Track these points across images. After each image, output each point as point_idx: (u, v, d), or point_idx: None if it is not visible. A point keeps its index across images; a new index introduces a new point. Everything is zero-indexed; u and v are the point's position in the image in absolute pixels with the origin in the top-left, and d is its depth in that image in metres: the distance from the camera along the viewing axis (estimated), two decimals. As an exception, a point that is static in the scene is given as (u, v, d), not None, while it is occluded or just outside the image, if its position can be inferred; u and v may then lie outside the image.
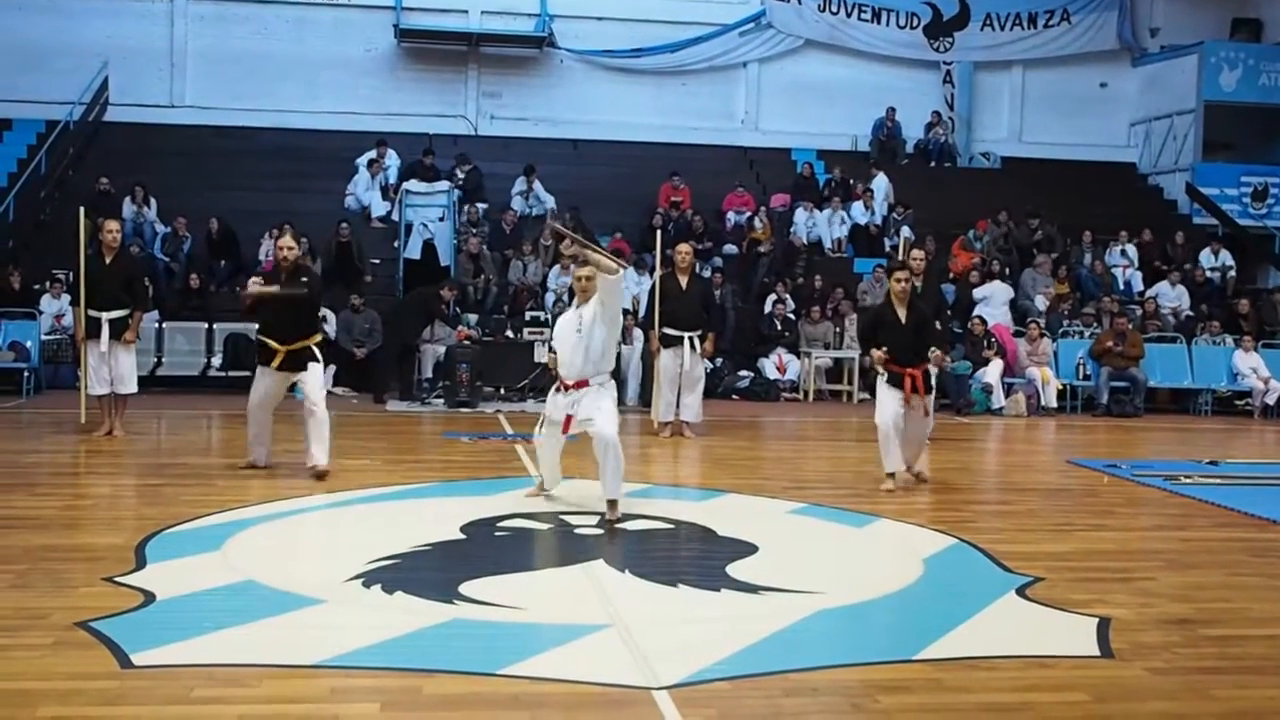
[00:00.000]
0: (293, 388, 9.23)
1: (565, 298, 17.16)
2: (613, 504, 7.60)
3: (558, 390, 7.92)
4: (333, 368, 15.73)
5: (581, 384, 7.74)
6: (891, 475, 9.08)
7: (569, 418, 7.76)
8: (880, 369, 9.15)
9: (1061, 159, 23.31)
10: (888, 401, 9.10)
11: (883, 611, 5.84)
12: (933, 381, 9.31)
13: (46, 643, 4.86)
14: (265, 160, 20.22)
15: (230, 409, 12.59)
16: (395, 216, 18.58)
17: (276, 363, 8.96)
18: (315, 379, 9.04)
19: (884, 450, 9.09)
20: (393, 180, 19.32)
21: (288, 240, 9.23)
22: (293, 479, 8.80)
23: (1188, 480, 10.05)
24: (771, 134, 23.08)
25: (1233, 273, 20.43)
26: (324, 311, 16.04)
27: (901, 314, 9.12)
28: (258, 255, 17.09)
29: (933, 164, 23.06)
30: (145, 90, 21.38)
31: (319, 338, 9.23)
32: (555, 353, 7.96)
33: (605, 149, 21.93)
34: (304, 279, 9.10)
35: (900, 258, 12.58)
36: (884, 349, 9.07)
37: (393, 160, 19.69)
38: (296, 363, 8.97)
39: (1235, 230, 22.01)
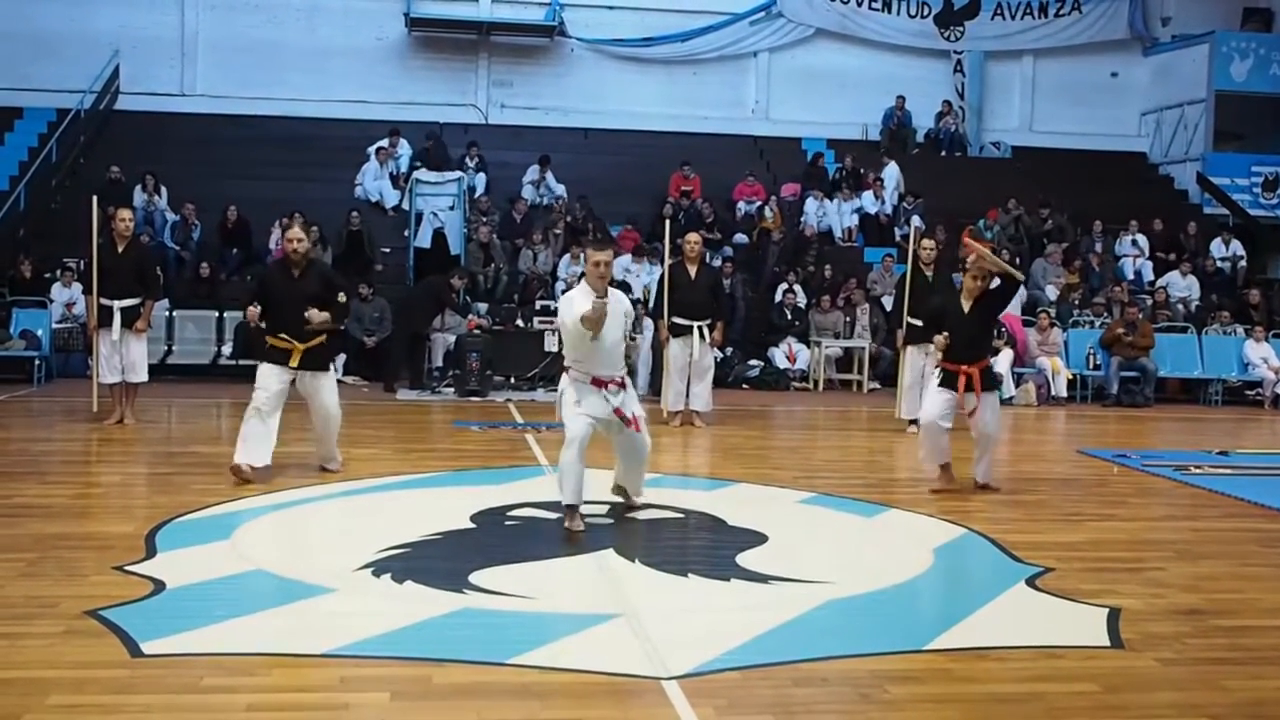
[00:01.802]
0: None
1: (576, 285, 17.12)
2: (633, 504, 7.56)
3: (603, 388, 7.13)
4: (343, 356, 15.80)
5: (621, 381, 7.29)
6: (944, 468, 8.70)
7: (636, 417, 7.24)
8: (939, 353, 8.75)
9: (1072, 148, 23.28)
10: (930, 398, 8.79)
11: (892, 602, 5.83)
12: (994, 378, 8.82)
13: (57, 631, 4.88)
14: (276, 149, 20.23)
15: (241, 398, 12.54)
16: (405, 205, 18.58)
17: (295, 360, 8.43)
18: (331, 388, 8.67)
19: (924, 448, 8.83)
20: (403, 169, 19.32)
21: (297, 231, 8.63)
22: (302, 469, 8.80)
23: (1198, 470, 10.02)
24: (782, 123, 23.06)
25: (1243, 263, 20.40)
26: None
27: (967, 307, 8.65)
28: (268, 244, 17.11)
29: (943, 153, 23.04)
30: (156, 79, 21.43)
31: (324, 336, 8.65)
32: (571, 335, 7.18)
33: (616, 138, 21.92)
34: (339, 292, 8.58)
35: (912, 247, 12.55)
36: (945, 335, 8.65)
37: (404, 149, 19.68)
38: (316, 361, 8.56)
39: (1246, 220, 21.96)
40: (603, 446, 7.63)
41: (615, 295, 7.31)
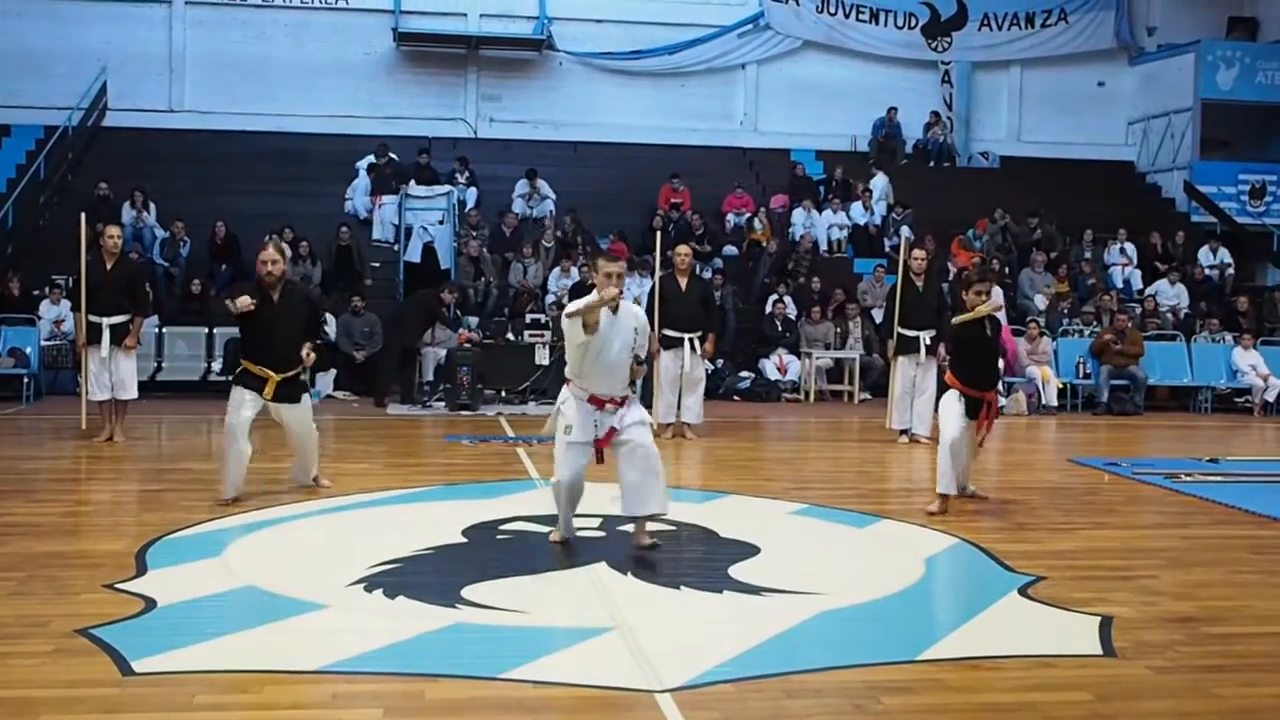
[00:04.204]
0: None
1: (566, 299, 17.15)
2: (649, 520, 6.93)
3: (601, 408, 6.78)
4: (333, 371, 15.81)
5: (622, 401, 6.83)
6: (945, 498, 8.23)
7: (605, 439, 6.79)
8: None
9: (1060, 158, 23.35)
10: (955, 415, 8.18)
11: (885, 612, 5.83)
12: (1000, 403, 8.42)
13: (47, 650, 4.85)
14: (265, 164, 20.23)
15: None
16: (394, 220, 18.59)
17: (269, 392, 8.06)
18: (307, 412, 8.34)
19: (942, 469, 8.15)
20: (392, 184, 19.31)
21: (271, 253, 8.14)
22: (292, 485, 8.77)
23: (1188, 478, 10.05)
24: (770, 135, 23.11)
25: (1231, 270, 20.48)
26: (324, 314, 16.07)
27: (984, 330, 8.17)
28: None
29: (932, 164, 23.08)
30: (144, 95, 21.40)
31: (313, 358, 8.31)
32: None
33: (605, 151, 21.95)
34: (322, 316, 8.26)
35: (902, 257, 12.56)
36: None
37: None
38: (290, 393, 8.16)
39: (1233, 228, 22.04)
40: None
41: (629, 309, 6.87)
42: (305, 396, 8.45)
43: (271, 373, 8.08)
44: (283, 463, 9.13)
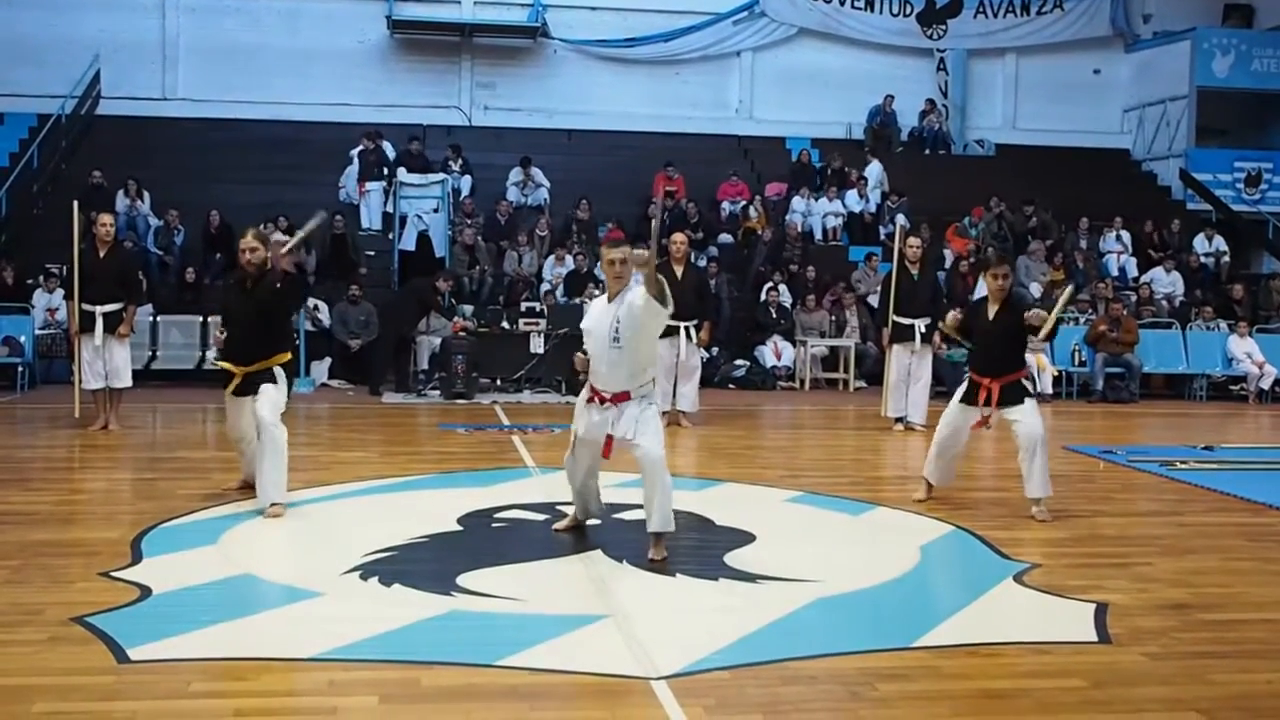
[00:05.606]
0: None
1: (561, 287, 17.15)
2: (659, 539, 6.40)
3: (590, 402, 6.58)
4: (328, 360, 15.80)
5: (621, 397, 6.46)
6: (928, 485, 8.22)
7: (610, 439, 6.45)
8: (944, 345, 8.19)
9: (1055, 146, 23.30)
10: (950, 415, 8.05)
11: (880, 599, 5.83)
12: (1028, 390, 7.88)
13: (42, 638, 4.85)
14: (258, 152, 20.16)
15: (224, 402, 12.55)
16: (389, 208, 18.55)
17: (232, 387, 7.66)
18: (267, 397, 7.44)
19: (927, 461, 8.28)
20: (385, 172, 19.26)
21: (249, 240, 7.63)
22: (289, 473, 8.74)
23: (1183, 466, 10.06)
24: (765, 123, 23.07)
25: (1226, 258, 20.49)
26: (315, 302, 16.05)
27: (991, 313, 7.86)
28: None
29: (927, 152, 23.05)
30: (137, 83, 21.36)
31: (287, 356, 7.74)
32: (586, 354, 6.60)
33: (599, 139, 21.90)
34: (279, 284, 7.56)
35: (897, 246, 12.56)
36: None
37: (388, 151, 19.62)
38: (251, 386, 7.54)
39: (1229, 216, 22.04)
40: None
41: (630, 299, 6.48)
42: (269, 388, 7.50)
43: (234, 368, 7.66)
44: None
